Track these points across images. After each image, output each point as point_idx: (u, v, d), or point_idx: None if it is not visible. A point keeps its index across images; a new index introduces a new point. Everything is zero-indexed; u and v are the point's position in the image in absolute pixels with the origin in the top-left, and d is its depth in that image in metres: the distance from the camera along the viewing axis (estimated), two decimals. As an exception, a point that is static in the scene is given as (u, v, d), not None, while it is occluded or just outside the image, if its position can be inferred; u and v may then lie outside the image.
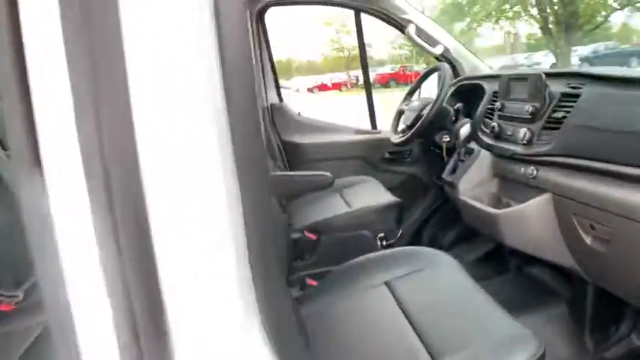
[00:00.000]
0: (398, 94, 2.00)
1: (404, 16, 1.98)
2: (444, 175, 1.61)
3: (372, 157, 2.24)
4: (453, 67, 2.06)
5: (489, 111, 1.54)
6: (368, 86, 2.33)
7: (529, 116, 1.26)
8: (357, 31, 2.22)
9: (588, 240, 1.08)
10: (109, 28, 0.32)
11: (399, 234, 1.84)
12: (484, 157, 1.49)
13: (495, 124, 1.43)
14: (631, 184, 0.93)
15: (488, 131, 1.49)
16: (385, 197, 1.74)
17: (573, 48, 12.23)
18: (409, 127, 1.82)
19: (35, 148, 0.33)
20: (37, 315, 0.99)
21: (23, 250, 0.37)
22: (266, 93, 2.26)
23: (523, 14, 13.99)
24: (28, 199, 0.35)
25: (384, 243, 1.76)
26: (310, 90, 19.03)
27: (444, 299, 1.04)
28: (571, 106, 1.13)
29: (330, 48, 20.30)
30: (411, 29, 1.96)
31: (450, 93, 1.90)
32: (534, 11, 13.60)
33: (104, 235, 0.34)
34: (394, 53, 19.06)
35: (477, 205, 1.41)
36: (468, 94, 1.81)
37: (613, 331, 1.33)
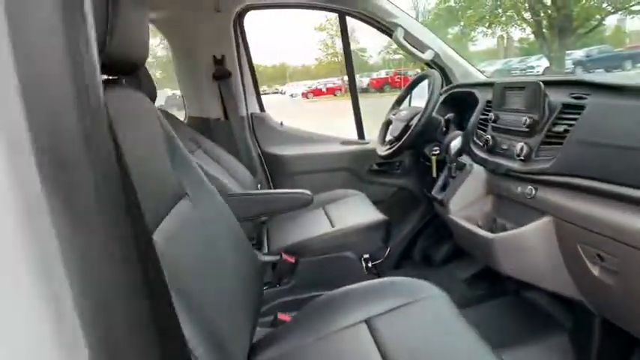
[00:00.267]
0: (393, 98, 1.88)
1: (391, 20, 1.85)
2: (434, 193, 1.47)
3: (359, 168, 2.11)
4: (444, 74, 1.94)
5: (482, 122, 1.41)
6: (354, 93, 2.19)
7: (526, 129, 1.14)
8: (342, 35, 2.09)
9: (595, 271, 0.94)
10: None
11: (387, 252, 1.70)
12: (477, 173, 1.35)
13: (489, 136, 1.31)
14: (645, 210, 0.80)
15: (481, 144, 1.36)
16: (372, 215, 1.60)
17: (567, 52, 12.19)
18: (397, 139, 1.69)
19: None
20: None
21: None
22: (246, 101, 2.13)
23: (516, 18, 13.97)
24: None
25: (370, 264, 1.63)
26: (305, 95, 19.10)
27: (428, 340, 0.91)
28: (574, 119, 1.00)
29: (324, 53, 20.29)
30: (399, 33, 1.83)
31: (440, 101, 1.78)
32: (527, 15, 13.59)
33: None
34: (389, 58, 19.04)
35: (470, 227, 1.28)
36: (460, 102, 1.69)
37: None
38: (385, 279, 1.14)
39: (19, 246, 0.30)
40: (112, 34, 0.64)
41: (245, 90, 2.12)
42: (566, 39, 12.16)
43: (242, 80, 2.10)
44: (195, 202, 0.91)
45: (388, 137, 1.80)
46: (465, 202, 1.36)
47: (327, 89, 18.45)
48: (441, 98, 1.79)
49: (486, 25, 14.43)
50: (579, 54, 11.95)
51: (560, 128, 1.04)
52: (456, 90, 1.77)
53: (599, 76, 1.45)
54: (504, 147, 1.24)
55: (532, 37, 14.17)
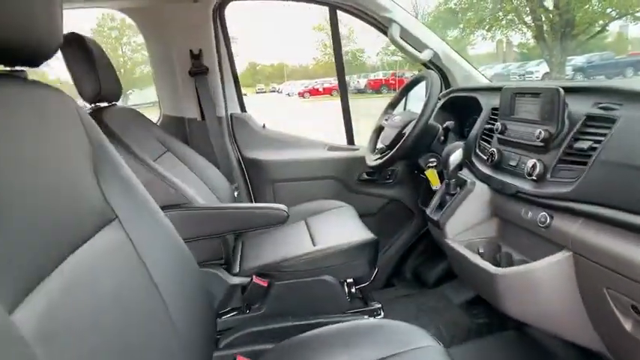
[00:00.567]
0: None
1: (385, 15, 1.65)
2: (428, 212, 1.28)
3: (347, 177, 1.92)
4: (444, 76, 1.75)
5: (487, 132, 1.23)
6: (344, 94, 2.00)
7: (540, 143, 0.95)
8: (332, 30, 1.90)
9: (628, 326, 0.76)
10: None
11: (375, 274, 1.52)
12: (479, 192, 1.16)
13: (494, 149, 1.12)
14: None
15: (485, 158, 1.18)
16: (359, 232, 1.40)
17: (568, 58, 12.04)
18: (389, 147, 1.50)
19: None
20: None
21: None
22: (225, 100, 1.93)
23: (517, 21, 13.82)
24: None
25: (353, 290, 1.44)
26: (302, 94, 19.03)
27: None
28: (602, 134, 0.82)
29: (322, 53, 20.16)
30: (395, 30, 1.64)
31: (438, 107, 1.59)
32: (529, 19, 13.45)
33: None
34: (386, 60, 18.91)
35: (469, 256, 1.09)
36: (461, 109, 1.50)
37: None
38: (375, 321, 0.97)
39: None
40: None
41: (224, 88, 1.92)
42: (568, 44, 12.02)
43: (222, 77, 1.90)
44: (127, 224, 0.71)
45: (379, 145, 1.61)
46: (465, 225, 1.17)
47: (324, 89, 18.40)
48: (440, 103, 1.60)
49: (486, 28, 14.28)
50: (580, 60, 11.83)
51: (583, 145, 0.85)
52: (456, 94, 1.58)
53: (633, 82, 1.26)
54: (512, 163, 1.05)
55: (532, 42, 14.06)
